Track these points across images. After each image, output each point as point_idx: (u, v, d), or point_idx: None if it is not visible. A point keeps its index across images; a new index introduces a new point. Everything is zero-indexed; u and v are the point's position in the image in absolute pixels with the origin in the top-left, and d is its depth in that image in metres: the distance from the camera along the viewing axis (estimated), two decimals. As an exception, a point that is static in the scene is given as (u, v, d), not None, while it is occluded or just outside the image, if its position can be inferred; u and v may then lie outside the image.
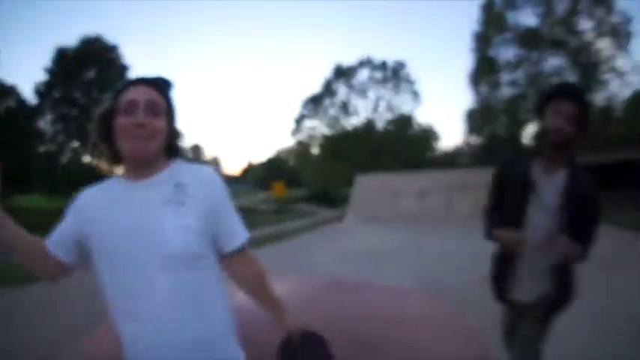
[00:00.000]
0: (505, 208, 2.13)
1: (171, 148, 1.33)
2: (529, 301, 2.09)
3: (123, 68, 36.13)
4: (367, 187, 18.70)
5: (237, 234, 1.36)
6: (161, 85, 1.31)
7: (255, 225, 26.26)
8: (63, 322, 5.03)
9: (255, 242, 12.59)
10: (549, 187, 2.02)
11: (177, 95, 1.37)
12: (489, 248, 2.32)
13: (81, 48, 34.63)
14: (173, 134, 1.33)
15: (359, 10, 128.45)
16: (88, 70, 34.66)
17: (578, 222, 1.96)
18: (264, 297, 1.44)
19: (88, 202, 1.30)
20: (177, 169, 1.31)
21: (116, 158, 1.30)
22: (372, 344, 1.86)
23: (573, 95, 1.97)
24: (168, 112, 1.30)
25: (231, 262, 1.37)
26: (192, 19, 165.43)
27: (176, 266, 1.19)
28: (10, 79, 32.15)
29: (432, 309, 2.33)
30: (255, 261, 1.43)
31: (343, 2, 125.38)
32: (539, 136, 2.07)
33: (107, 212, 1.24)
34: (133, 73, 36.56)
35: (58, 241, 1.29)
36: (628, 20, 21.81)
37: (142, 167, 1.26)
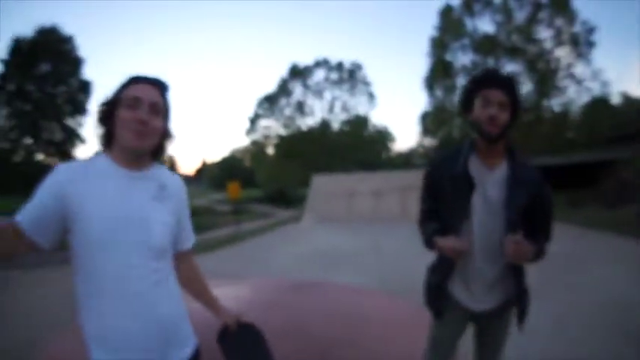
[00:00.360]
0: (443, 211, 1.90)
1: (160, 148, 1.45)
2: (485, 309, 1.88)
3: (78, 61, 34.33)
4: (323, 187, 18.78)
5: (191, 236, 1.60)
6: (162, 87, 1.44)
7: (212, 226, 26.01)
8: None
9: (214, 243, 12.75)
10: (491, 182, 1.81)
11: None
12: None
13: (36, 38, 32.55)
14: (166, 135, 1.45)
15: (316, 9, 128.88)
16: (42, 63, 32.51)
17: (529, 216, 1.80)
18: (205, 296, 1.66)
19: (73, 177, 1.31)
20: (159, 170, 1.47)
21: (108, 143, 1.39)
22: (337, 344, 1.86)
23: (502, 82, 1.79)
24: (165, 113, 1.43)
25: (181, 260, 1.56)
26: (151, 15, 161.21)
27: (154, 255, 1.35)
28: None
29: (396, 307, 2.34)
30: (197, 264, 1.66)
31: (299, 1, 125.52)
32: (472, 129, 1.84)
33: (96, 189, 1.30)
34: (89, 67, 35.19)
35: (34, 219, 1.26)
36: (590, 30, 22.65)
37: (134, 159, 1.37)
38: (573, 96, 23.69)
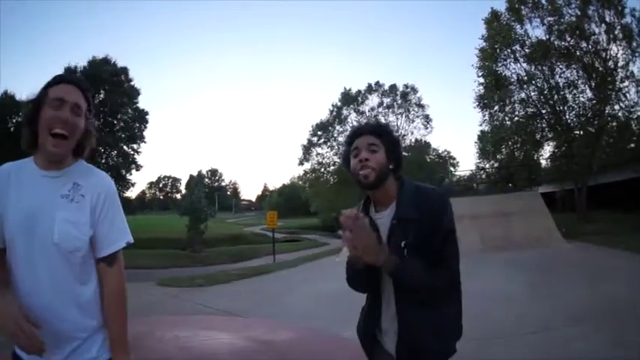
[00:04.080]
0: None
1: (80, 147, 1.52)
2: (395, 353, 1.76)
3: (133, 91, 35.56)
4: (368, 215, 17.14)
5: (110, 242, 1.51)
6: (84, 88, 1.51)
7: (253, 255, 25.39)
8: None
9: (233, 275, 12.14)
10: (382, 228, 1.73)
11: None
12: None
13: (88, 70, 33.71)
14: (86, 135, 1.52)
15: (368, 35, 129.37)
16: (97, 93, 33.52)
17: (426, 254, 1.62)
18: (110, 330, 1.50)
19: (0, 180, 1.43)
20: (78, 168, 1.52)
21: (32, 144, 1.46)
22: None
23: (369, 128, 1.82)
24: (87, 113, 1.51)
25: (100, 269, 1.51)
26: (206, 44, 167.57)
27: (61, 253, 1.39)
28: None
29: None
30: (119, 278, 1.53)
31: (352, 28, 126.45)
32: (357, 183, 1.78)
33: (13, 191, 1.41)
34: (143, 97, 36.39)
35: None
36: None
37: (54, 160, 1.45)
38: (635, 98, 21.00)
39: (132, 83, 35.63)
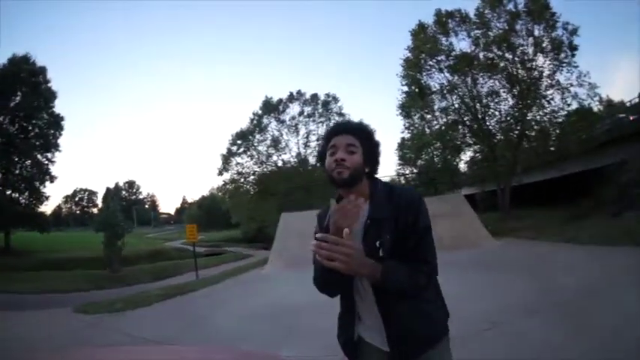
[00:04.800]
0: None
1: None
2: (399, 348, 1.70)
3: (50, 94, 32.93)
4: (292, 226, 16.85)
5: None
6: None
7: (175, 272, 24.44)
8: None
9: (154, 296, 11.26)
10: (354, 230, 1.61)
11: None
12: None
13: (8, 68, 31.00)
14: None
15: (289, 44, 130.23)
16: (14, 94, 31.03)
17: (403, 252, 1.64)
18: None
19: None
20: None
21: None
22: None
23: (349, 128, 1.80)
24: None
25: None
26: (127, 52, 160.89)
27: None
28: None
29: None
30: None
31: (274, 36, 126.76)
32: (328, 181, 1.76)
33: None
34: (60, 101, 33.64)
35: None
36: (573, 31, 21.63)
37: None
38: (559, 104, 22.56)
39: (49, 85, 33.02)
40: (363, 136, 1.77)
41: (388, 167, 60.94)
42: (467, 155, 27.46)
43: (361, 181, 1.73)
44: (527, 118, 22.70)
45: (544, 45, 22.08)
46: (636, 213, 13.54)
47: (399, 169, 33.15)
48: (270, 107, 38.69)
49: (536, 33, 22.19)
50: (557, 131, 22.89)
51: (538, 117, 23.15)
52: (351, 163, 1.68)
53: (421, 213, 1.68)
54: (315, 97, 39.25)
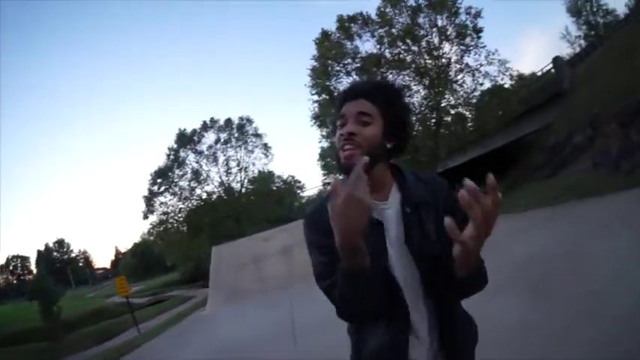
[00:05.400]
0: None
1: None
2: None
3: None
4: (225, 258, 16.20)
5: None
6: None
7: (119, 328, 22.82)
8: None
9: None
10: (387, 219, 1.32)
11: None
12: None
13: None
14: None
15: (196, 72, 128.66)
16: None
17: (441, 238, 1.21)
18: None
19: None
20: None
21: None
22: None
23: (360, 90, 1.36)
24: None
25: None
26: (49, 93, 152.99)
27: None
28: None
29: None
30: None
31: (181, 67, 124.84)
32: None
33: None
34: None
35: None
36: (477, 14, 21.90)
37: None
38: (472, 86, 22.96)
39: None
40: (381, 100, 1.35)
41: (315, 179, 61.13)
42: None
43: (377, 165, 1.33)
44: (442, 105, 23.00)
45: (448, 33, 22.45)
46: (570, 170, 13.92)
47: (324, 179, 33.08)
48: (185, 139, 37.34)
49: (440, 23, 22.48)
50: (474, 112, 23.37)
51: (452, 102, 23.56)
52: (364, 138, 1.29)
53: (454, 196, 1.28)
54: (229, 122, 38.31)
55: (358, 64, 23.59)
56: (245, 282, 14.73)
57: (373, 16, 23.81)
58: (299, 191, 44.91)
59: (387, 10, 23.31)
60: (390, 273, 1.29)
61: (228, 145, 38.09)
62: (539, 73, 26.85)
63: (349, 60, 23.78)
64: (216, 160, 37.69)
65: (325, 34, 24.48)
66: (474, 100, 23.01)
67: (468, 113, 23.66)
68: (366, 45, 24.14)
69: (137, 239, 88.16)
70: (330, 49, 23.62)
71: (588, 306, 4.04)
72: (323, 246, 1.31)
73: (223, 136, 38.09)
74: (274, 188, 40.33)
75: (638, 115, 11.68)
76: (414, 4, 22.58)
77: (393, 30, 23.07)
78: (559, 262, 5.74)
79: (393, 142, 1.37)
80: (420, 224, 1.33)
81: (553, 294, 4.73)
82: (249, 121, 38.78)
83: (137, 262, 76.85)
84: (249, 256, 15.45)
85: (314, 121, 25.76)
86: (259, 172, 38.94)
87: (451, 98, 23.33)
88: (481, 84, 22.66)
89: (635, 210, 7.25)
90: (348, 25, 23.92)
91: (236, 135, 38.23)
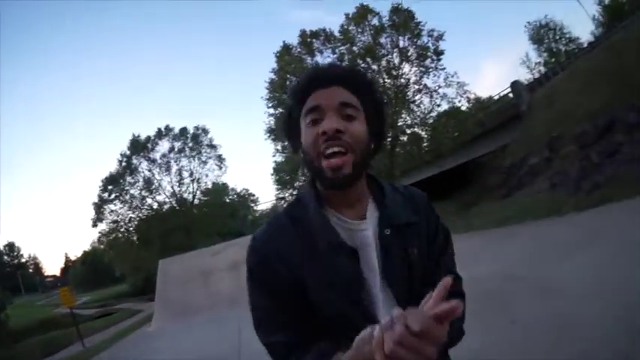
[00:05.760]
0: (318, 306, 1.03)
1: None
2: None
3: None
4: (173, 272, 15.71)
5: None
6: None
7: (66, 340, 21.90)
8: None
9: None
10: (369, 242, 1.08)
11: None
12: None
13: None
14: None
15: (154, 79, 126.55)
16: None
17: (429, 267, 1.13)
18: None
19: None
20: None
21: None
22: None
23: (336, 77, 1.07)
24: None
25: None
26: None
27: None
28: None
29: None
30: None
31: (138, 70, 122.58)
32: (309, 172, 1.09)
33: None
34: None
35: None
36: (439, 37, 22.30)
37: None
38: (429, 107, 23.42)
39: None
40: (361, 89, 1.10)
41: (268, 193, 60.79)
42: None
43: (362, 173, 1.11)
44: (399, 124, 23.22)
45: (409, 54, 22.83)
46: (526, 191, 14.23)
47: (278, 193, 32.91)
48: (139, 146, 36.20)
49: (402, 44, 22.85)
50: (430, 133, 23.67)
51: (409, 121, 23.87)
52: (353, 138, 1.03)
53: (436, 214, 1.24)
54: (184, 130, 37.64)
55: None
56: (192, 298, 14.32)
57: (336, 32, 24.05)
58: (253, 205, 44.63)
59: (350, 27, 23.59)
60: (370, 312, 1.04)
61: (182, 155, 37.39)
62: (497, 97, 27.55)
63: None
64: (169, 169, 36.85)
65: (287, 48, 24.62)
66: (431, 121, 23.35)
67: (424, 133, 24.05)
68: (327, 61, 24.16)
69: (87, 247, 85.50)
70: (290, 63, 23.67)
71: (544, 327, 4.05)
72: (272, 284, 1.07)
73: (177, 145, 37.36)
74: (227, 201, 39.83)
75: (600, 138, 12.23)
76: (377, 24, 22.90)
77: (355, 48, 23.35)
78: (514, 282, 5.78)
79: (376, 142, 1.15)
80: (401, 249, 1.12)
81: (507, 314, 4.73)
82: (205, 131, 38.25)
83: (87, 271, 74.24)
84: (198, 271, 15.10)
85: (268, 134, 25.75)
86: (213, 183, 38.37)
87: (408, 118, 23.67)
88: (438, 105, 23.17)
89: (597, 229, 7.46)
90: (310, 40, 24.17)
91: (190, 145, 37.58)
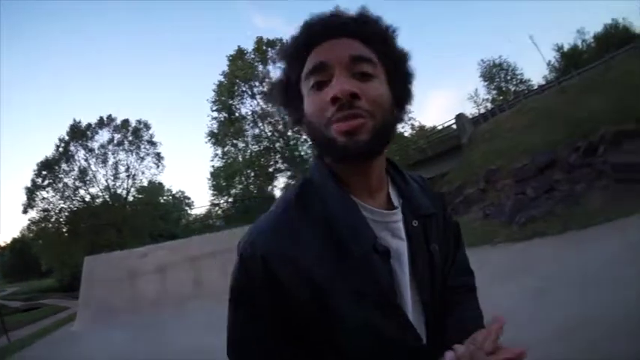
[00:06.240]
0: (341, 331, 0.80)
1: None
2: None
3: None
4: (99, 271, 15.23)
5: None
6: None
7: None
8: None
9: None
10: (399, 236, 0.90)
11: None
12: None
13: None
14: None
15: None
16: None
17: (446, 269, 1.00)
18: None
19: None
20: None
21: None
22: None
23: (342, 26, 0.85)
24: None
25: None
26: None
27: None
28: None
29: None
30: None
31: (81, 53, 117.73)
32: (318, 148, 0.88)
33: None
34: None
35: None
36: None
37: None
38: None
39: None
40: (378, 39, 0.87)
41: (204, 198, 59.36)
42: (281, 182, 27.89)
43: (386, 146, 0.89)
44: None
45: None
46: (460, 220, 14.41)
47: (213, 199, 32.34)
48: (79, 133, 34.41)
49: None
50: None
51: None
52: (372, 102, 0.81)
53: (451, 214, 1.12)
54: (125, 123, 35.86)
55: (264, 89, 23.90)
56: (117, 299, 13.97)
57: None
58: (187, 208, 43.29)
59: None
60: (405, 325, 0.86)
61: (121, 148, 35.65)
62: (441, 127, 28.17)
63: (257, 83, 23.87)
64: (105, 161, 35.13)
65: (241, 52, 24.66)
66: None
67: None
68: (278, 72, 24.45)
69: (17, 234, 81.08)
70: (241, 69, 23.71)
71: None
72: (284, 308, 0.81)
73: (117, 137, 35.68)
74: (162, 201, 38.58)
75: (538, 174, 12.76)
76: None
77: None
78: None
79: (399, 107, 0.92)
80: (425, 244, 0.97)
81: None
82: (147, 126, 36.56)
83: (16, 260, 70.49)
84: (124, 272, 14.71)
85: (209, 137, 25.53)
86: (149, 182, 36.94)
87: None
88: None
89: (527, 260, 7.89)
90: (265, 48, 24.37)
91: (130, 138, 35.88)
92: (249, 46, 25.06)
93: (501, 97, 39.63)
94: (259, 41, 24.57)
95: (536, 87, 33.86)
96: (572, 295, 5.05)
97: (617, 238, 7.16)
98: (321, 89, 0.82)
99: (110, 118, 35.70)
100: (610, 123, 11.74)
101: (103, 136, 35.42)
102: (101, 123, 35.36)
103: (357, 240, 0.82)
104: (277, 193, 29.87)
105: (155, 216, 35.32)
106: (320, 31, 0.86)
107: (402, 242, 0.91)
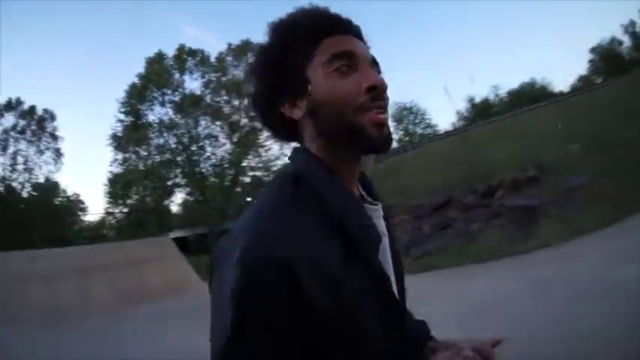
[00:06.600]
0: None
1: None
2: None
3: None
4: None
5: None
6: None
7: None
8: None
9: None
10: (385, 233, 0.87)
11: None
12: None
13: None
14: None
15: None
16: None
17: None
18: None
19: None
20: None
21: None
22: None
23: (355, 29, 0.85)
24: None
25: None
26: None
27: None
28: None
29: None
30: None
31: None
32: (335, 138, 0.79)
33: None
34: None
35: None
36: None
37: None
38: (277, 154, 24.14)
39: None
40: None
41: (98, 204, 56.12)
42: (179, 197, 27.63)
43: None
44: (243, 164, 23.96)
45: None
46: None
47: (108, 207, 30.44)
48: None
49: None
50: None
51: (253, 164, 24.67)
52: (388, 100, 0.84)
53: None
54: (32, 110, 32.36)
55: (176, 98, 23.64)
56: (7, 303, 12.97)
57: (212, 58, 24.32)
58: (81, 213, 39.37)
59: (228, 58, 24.06)
60: (405, 330, 0.81)
61: (22, 137, 32.06)
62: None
63: (170, 91, 23.74)
64: (5, 149, 31.45)
65: (160, 56, 24.17)
66: (274, 168, 24.09)
67: (265, 179, 24.54)
68: (194, 83, 24.16)
69: None
70: (157, 73, 23.29)
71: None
72: (307, 323, 0.64)
73: (22, 123, 32.16)
74: (57, 202, 35.39)
75: (434, 212, 13.71)
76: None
77: (224, 79, 23.73)
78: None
79: None
80: (398, 257, 0.92)
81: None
82: (53, 117, 33.47)
83: None
84: (13, 274, 13.76)
85: (112, 141, 24.41)
86: (45, 179, 33.53)
87: (253, 161, 24.54)
88: (286, 154, 24.31)
89: (422, 291, 8.54)
90: (185, 56, 24.11)
91: (33, 128, 32.68)
92: (170, 52, 24.73)
93: (407, 138, 41.99)
94: (181, 49, 24.22)
95: (442, 132, 36.39)
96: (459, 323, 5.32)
97: (511, 272, 7.91)
98: (346, 75, 0.78)
99: (19, 101, 32.15)
100: (512, 169, 12.75)
101: (8, 120, 32.06)
102: (9, 105, 31.78)
103: (368, 239, 0.77)
104: (174, 209, 29.82)
105: (49, 217, 32.13)
106: (336, 22, 0.84)
107: (386, 238, 0.87)
